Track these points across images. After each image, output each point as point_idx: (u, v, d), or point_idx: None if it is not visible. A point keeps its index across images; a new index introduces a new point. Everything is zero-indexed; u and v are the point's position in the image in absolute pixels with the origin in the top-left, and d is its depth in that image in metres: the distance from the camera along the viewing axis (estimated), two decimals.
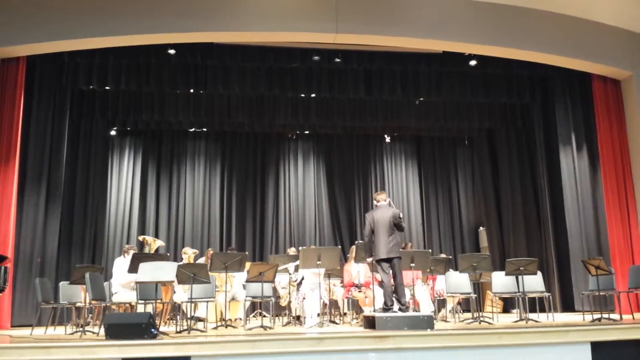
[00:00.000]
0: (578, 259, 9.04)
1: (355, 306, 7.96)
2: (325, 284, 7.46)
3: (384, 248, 6.20)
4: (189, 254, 8.60)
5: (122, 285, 7.33)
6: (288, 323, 7.62)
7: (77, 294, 7.36)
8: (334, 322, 7.49)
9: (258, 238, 11.80)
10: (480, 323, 6.79)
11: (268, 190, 12.06)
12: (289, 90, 10.18)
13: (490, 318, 7.42)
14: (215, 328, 6.98)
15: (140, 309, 6.78)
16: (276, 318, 7.99)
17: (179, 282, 6.55)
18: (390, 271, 6.24)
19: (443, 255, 9.32)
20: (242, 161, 12.04)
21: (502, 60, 9.60)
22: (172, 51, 9.19)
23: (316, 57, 9.57)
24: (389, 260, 6.22)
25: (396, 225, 6.28)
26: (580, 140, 9.99)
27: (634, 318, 7.44)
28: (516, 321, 7.04)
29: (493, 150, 11.93)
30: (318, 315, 7.00)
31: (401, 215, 6.38)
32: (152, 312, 5.69)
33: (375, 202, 6.53)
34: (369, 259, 6.41)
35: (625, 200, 9.36)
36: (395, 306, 6.17)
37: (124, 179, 11.46)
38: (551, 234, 10.25)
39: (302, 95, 10.51)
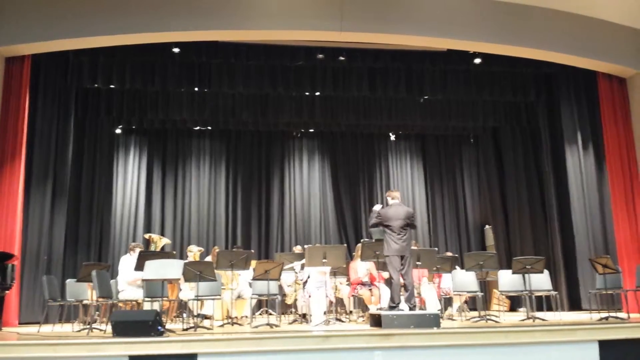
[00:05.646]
0: (585, 257, 9.01)
1: (361, 304, 7.95)
2: (331, 282, 7.45)
3: (397, 245, 6.22)
4: (194, 251, 8.61)
5: (128, 283, 7.34)
6: (294, 321, 7.61)
7: (83, 291, 7.39)
8: (340, 320, 7.48)
9: (263, 236, 11.81)
10: (486, 321, 6.77)
11: (273, 188, 12.06)
12: (294, 89, 10.18)
13: (496, 316, 7.41)
14: (222, 326, 6.99)
15: (146, 306, 6.79)
16: (282, 316, 7.98)
17: (185, 280, 6.56)
18: (401, 269, 6.23)
19: (449, 254, 9.30)
20: (246, 159, 12.04)
21: (507, 58, 9.56)
22: (176, 50, 9.20)
23: (320, 55, 9.57)
24: (401, 258, 6.23)
25: (409, 224, 6.32)
26: (586, 139, 9.95)
27: None
28: (523, 320, 7.00)
29: (498, 148, 11.90)
30: (324, 313, 6.99)
31: (414, 215, 6.43)
32: (158, 310, 5.69)
33: (389, 198, 6.55)
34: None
35: (632, 198, 9.30)
36: (402, 304, 6.16)
37: (130, 177, 11.50)
38: (557, 232, 10.22)
39: (307, 93, 10.51)
